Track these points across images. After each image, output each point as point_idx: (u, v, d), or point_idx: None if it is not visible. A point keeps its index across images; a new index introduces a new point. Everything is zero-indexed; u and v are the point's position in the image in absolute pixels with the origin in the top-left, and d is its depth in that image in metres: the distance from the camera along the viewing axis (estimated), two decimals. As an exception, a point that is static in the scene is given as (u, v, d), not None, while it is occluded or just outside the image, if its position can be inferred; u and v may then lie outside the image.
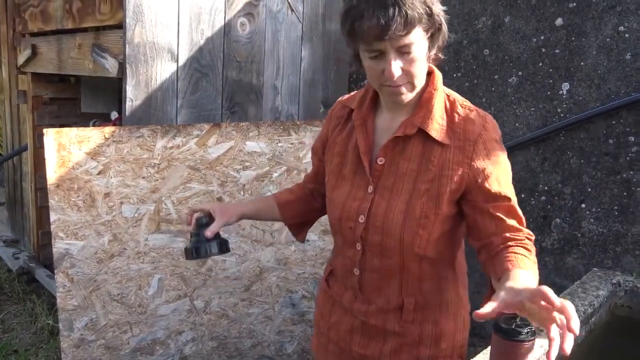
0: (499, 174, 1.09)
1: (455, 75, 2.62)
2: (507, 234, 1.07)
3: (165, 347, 2.25)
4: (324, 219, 1.47)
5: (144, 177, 2.11)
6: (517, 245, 1.05)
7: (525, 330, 0.85)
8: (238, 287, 2.34)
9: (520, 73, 2.46)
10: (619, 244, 2.23)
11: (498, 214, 1.08)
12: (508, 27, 2.48)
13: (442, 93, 1.15)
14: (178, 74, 2.32)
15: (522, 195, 2.44)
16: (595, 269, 1.86)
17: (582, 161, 2.31)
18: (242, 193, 2.29)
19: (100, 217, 2.06)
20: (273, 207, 1.41)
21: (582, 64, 2.28)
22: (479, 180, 1.08)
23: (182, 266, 2.22)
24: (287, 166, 2.37)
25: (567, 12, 2.31)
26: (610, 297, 1.67)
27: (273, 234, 2.36)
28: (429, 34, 1.05)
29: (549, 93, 2.38)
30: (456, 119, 1.12)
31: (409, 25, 0.99)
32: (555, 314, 0.79)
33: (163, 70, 2.27)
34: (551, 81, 2.37)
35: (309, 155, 2.40)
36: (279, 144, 2.35)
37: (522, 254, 1.03)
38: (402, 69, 1.05)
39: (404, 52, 1.03)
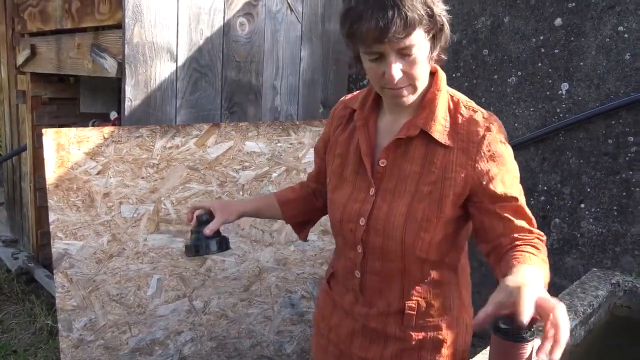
0: (504, 175, 1.07)
1: (454, 75, 2.62)
2: (516, 235, 1.04)
3: (164, 347, 2.24)
4: (324, 218, 1.47)
5: (143, 177, 2.11)
6: (525, 244, 1.02)
7: (525, 330, 0.84)
8: (237, 287, 2.34)
9: (519, 73, 2.46)
10: (618, 244, 2.23)
11: (505, 214, 1.05)
12: (507, 27, 2.48)
13: (445, 94, 1.13)
14: (177, 74, 2.32)
15: (522, 196, 2.44)
16: (595, 269, 1.86)
17: (582, 161, 2.31)
18: (241, 193, 2.29)
19: (99, 217, 2.05)
20: (274, 205, 1.40)
21: (581, 64, 2.28)
22: (484, 183, 1.06)
23: (181, 266, 2.22)
24: (286, 166, 2.37)
25: (566, 12, 2.31)
26: (610, 297, 1.67)
27: (272, 234, 2.36)
28: (431, 35, 1.03)
29: (548, 93, 2.38)
30: (459, 120, 1.10)
31: (408, 27, 0.97)
32: (549, 323, 0.78)
33: (162, 70, 2.27)
34: (550, 81, 2.37)
35: (308, 155, 2.40)
36: (278, 144, 2.35)
37: (529, 252, 0.99)
38: (403, 72, 1.03)
39: (404, 54, 1.01)
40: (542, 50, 2.38)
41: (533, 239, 1.04)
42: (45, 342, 2.76)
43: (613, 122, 2.21)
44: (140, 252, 2.13)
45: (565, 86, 2.33)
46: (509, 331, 0.83)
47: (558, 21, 2.33)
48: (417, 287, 1.17)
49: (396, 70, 1.01)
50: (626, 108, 2.17)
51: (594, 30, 2.24)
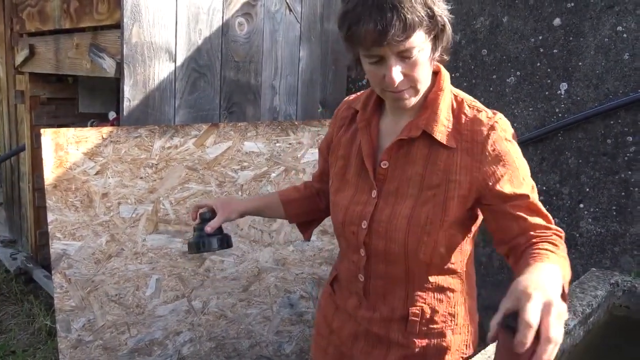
0: (511, 175, 1.04)
1: (453, 75, 2.61)
2: (532, 233, 1.01)
3: (163, 347, 2.24)
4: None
5: (141, 178, 2.11)
6: (542, 242, 0.98)
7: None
8: (236, 287, 2.34)
9: (518, 73, 2.46)
10: (617, 244, 2.23)
11: (519, 213, 1.02)
12: (506, 27, 2.48)
13: (449, 93, 1.11)
14: (176, 74, 2.32)
15: (521, 195, 2.44)
16: (594, 269, 1.86)
17: (580, 161, 2.31)
18: (240, 193, 2.29)
19: (97, 218, 2.05)
20: (278, 204, 1.39)
21: (580, 64, 2.28)
22: (490, 184, 1.04)
23: (180, 267, 2.21)
24: (285, 166, 2.37)
25: (565, 12, 2.31)
26: (609, 297, 1.67)
27: (271, 234, 2.36)
28: (432, 36, 1.00)
29: (547, 93, 2.38)
30: (463, 120, 1.08)
31: (408, 29, 0.94)
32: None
33: (161, 70, 2.27)
34: (549, 81, 2.37)
35: (307, 155, 2.40)
36: (277, 144, 2.35)
37: (546, 249, 0.96)
38: (404, 74, 1.01)
39: (404, 56, 0.98)
40: (541, 50, 2.38)
41: (551, 235, 1.01)
42: (43, 343, 2.76)
43: (612, 122, 2.21)
44: (139, 252, 2.13)
45: (564, 86, 2.33)
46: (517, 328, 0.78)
47: (557, 21, 2.33)
48: (422, 293, 1.15)
49: (396, 73, 0.99)
50: (625, 108, 2.17)
51: (593, 30, 2.24)
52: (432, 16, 0.98)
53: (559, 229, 1.04)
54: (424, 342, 1.16)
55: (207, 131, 2.21)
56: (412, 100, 1.06)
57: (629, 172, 2.18)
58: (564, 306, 0.77)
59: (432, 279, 1.14)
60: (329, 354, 1.32)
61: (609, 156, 2.23)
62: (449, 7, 1.03)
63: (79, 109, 3.33)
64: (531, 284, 0.80)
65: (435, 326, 1.17)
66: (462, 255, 1.16)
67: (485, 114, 1.08)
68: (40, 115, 3.22)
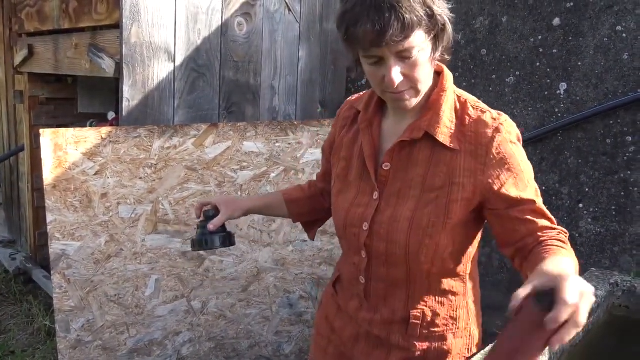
0: (516, 178, 1.03)
1: (452, 75, 2.61)
2: (540, 233, 1.00)
3: (162, 348, 2.24)
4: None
5: (141, 178, 2.10)
6: (551, 239, 0.98)
7: None
8: (235, 287, 2.34)
9: (517, 73, 2.45)
10: (616, 244, 2.23)
11: (527, 217, 1.02)
12: (505, 27, 2.48)
13: (452, 94, 1.10)
14: (175, 74, 2.32)
15: (520, 195, 2.44)
16: (593, 269, 1.86)
17: (580, 161, 2.31)
18: (239, 193, 2.28)
19: (97, 218, 2.05)
20: (281, 203, 1.39)
21: (579, 63, 2.28)
22: (495, 188, 1.02)
23: (179, 267, 2.21)
24: (285, 166, 2.36)
25: (564, 12, 2.31)
26: (608, 297, 1.67)
27: (270, 234, 2.36)
28: (432, 36, 0.99)
29: (546, 93, 2.38)
30: (467, 122, 1.06)
31: (407, 29, 0.93)
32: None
33: (160, 71, 2.26)
34: (549, 81, 2.37)
35: (307, 155, 2.40)
36: (277, 144, 2.34)
37: (557, 246, 0.96)
38: (404, 75, 0.99)
39: (404, 57, 0.97)
40: (541, 50, 2.38)
41: (558, 233, 1.01)
42: (43, 343, 2.76)
43: (611, 121, 2.21)
44: (138, 252, 2.13)
45: (563, 86, 2.33)
46: (551, 302, 0.77)
47: (556, 21, 2.33)
48: (423, 296, 1.14)
49: (396, 74, 0.98)
50: (624, 108, 2.17)
51: (592, 30, 2.24)
52: (431, 16, 0.96)
53: (564, 229, 1.04)
54: (425, 345, 1.15)
55: (207, 131, 2.21)
56: (413, 101, 1.05)
57: (629, 172, 2.18)
58: (593, 298, 0.79)
59: (433, 281, 1.13)
60: (328, 353, 1.31)
61: (608, 156, 2.23)
62: (450, 6, 1.02)
63: (78, 109, 3.33)
64: (563, 270, 0.82)
65: (436, 329, 1.15)
66: (465, 258, 1.15)
67: (490, 115, 1.07)
68: (40, 116, 3.21)
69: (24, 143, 3.27)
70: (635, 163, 2.17)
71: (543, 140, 2.40)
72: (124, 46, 2.15)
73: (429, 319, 1.15)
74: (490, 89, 2.54)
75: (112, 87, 3.11)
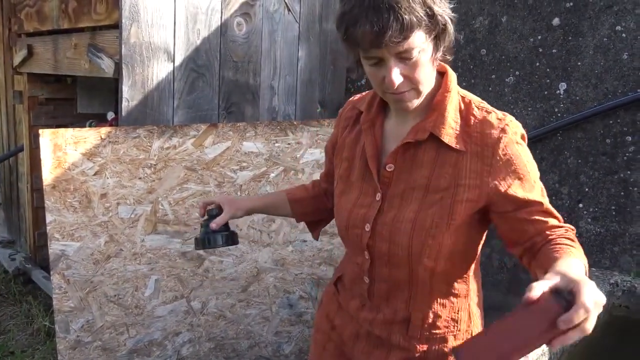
0: (523, 179, 1.02)
1: (452, 75, 2.61)
2: (548, 232, 1.00)
3: (162, 348, 2.24)
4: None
5: (140, 178, 2.10)
6: (560, 237, 0.98)
7: None
8: (235, 288, 2.34)
9: (517, 73, 2.45)
10: (616, 244, 2.23)
11: (535, 217, 1.01)
12: (505, 27, 2.48)
13: (456, 95, 1.09)
14: (174, 74, 2.32)
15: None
16: (593, 269, 1.86)
17: (580, 161, 2.31)
18: (239, 194, 2.28)
19: (96, 218, 2.05)
20: (285, 202, 1.38)
21: (579, 63, 2.28)
22: (502, 190, 1.01)
23: (179, 267, 2.21)
24: (284, 166, 2.36)
25: (563, 12, 2.31)
26: (608, 297, 1.67)
27: (270, 234, 2.36)
28: (433, 36, 0.97)
29: (546, 93, 2.38)
30: (472, 122, 1.05)
31: (406, 30, 0.91)
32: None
33: (159, 71, 2.26)
34: (548, 81, 2.37)
35: (306, 155, 2.40)
36: (276, 144, 2.34)
37: (567, 244, 0.95)
38: (404, 76, 0.98)
39: (404, 57, 0.96)
40: (540, 50, 2.38)
41: (566, 231, 1.00)
42: (42, 344, 2.75)
43: (611, 121, 2.21)
44: (137, 253, 2.13)
45: (563, 86, 2.33)
46: (569, 302, 0.77)
47: (556, 21, 2.33)
48: (425, 297, 1.13)
49: (396, 75, 0.97)
50: (624, 108, 2.17)
51: (592, 29, 2.24)
52: (432, 16, 0.95)
53: (571, 226, 1.03)
54: (425, 346, 1.15)
55: (206, 131, 2.21)
56: (415, 102, 1.04)
57: (628, 172, 2.18)
58: (602, 308, 0.78)
59: (436, 283, 1.12)
60: (327, 350, 1.31)
61: (608, 156, 2.23)
62: (451, 6, 1.01)
63: (78, 109, 3.32)
64: (582, 275, 0.82)
65: (437, 331, 1.15)
66: (468, 260, 1.14)
67: (495, 116, 1.06)
68: (39, 116, 3.21)
69: (23, 143, 3.27)
70: (635, 163, 2.17)
71: (543, 140, 2.40)
72: (123, 46, 2.14)
73: (430, 320, 1.14)
74: (490, 89, 2.54)
75: (111, 87, 3.11)
